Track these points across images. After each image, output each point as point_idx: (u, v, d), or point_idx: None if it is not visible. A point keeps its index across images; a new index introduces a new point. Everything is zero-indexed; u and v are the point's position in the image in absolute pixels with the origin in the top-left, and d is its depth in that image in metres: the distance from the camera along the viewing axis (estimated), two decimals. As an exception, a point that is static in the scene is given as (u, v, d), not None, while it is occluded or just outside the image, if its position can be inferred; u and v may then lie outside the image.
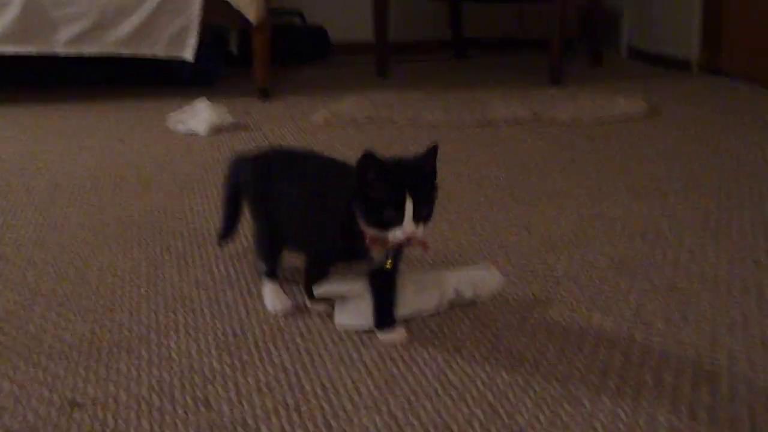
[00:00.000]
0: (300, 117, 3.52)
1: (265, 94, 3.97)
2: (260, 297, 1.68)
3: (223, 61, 4.69)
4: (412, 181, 1.41)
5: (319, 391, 1.34)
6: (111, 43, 3.81)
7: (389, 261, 1.49)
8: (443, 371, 1.39)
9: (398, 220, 1.39)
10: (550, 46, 4.24)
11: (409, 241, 1.42)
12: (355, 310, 1.55)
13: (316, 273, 1.62)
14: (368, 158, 1.41)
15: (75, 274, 1.85)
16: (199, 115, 3.28)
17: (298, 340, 1.51)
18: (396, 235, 1.40)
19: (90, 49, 3.80)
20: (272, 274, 1.67)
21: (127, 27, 3.81)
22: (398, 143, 2.97)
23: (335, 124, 3.34)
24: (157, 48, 3.86)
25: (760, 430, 1.21)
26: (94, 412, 1.29)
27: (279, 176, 1.64)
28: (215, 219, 2.18)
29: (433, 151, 1.46)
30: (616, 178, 2.51)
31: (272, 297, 1.64)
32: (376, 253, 1.48)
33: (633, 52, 5.25)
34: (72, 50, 3.80)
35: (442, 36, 5.65)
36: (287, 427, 1.23)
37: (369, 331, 1.52)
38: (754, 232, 2.02)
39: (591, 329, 1.54)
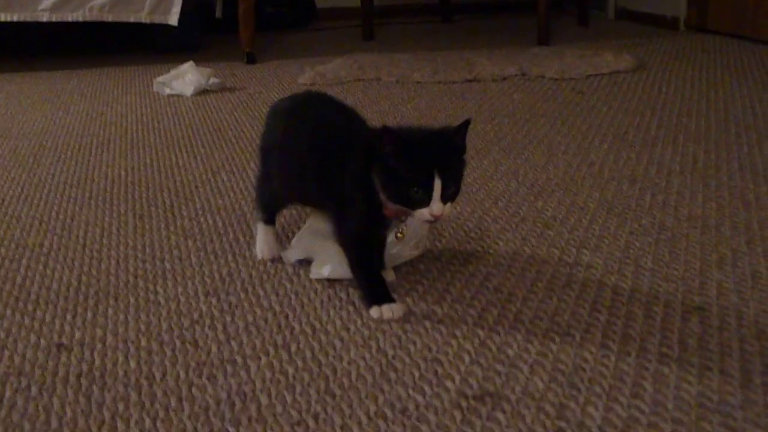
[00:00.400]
0: (286, 79, 3.50)
1: (250, 57, 3.95)
2: (249, 246, 1.67)
3: (209, 27, 4.66)
4: (441, 158, 1.33)
5: (308, 331, 1.33)
6: (94, 9, 3.78)
7: (401, 232, 1.46)
8: (433, 310, 1.39)
9: (426, 200, 1.31)
10: (537, 7, 4.22)
11: (436, 219, 1.34)
12: (336, 263, 1.50)
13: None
14: (388, 133, 1.32)
15: (61, 228, 1.83)
16: (184, 78, 3.25)
17: (287, 284, 1.51)
18: (422, 214, 1.33)
19: (73, 15, 3.77)
20: (268, 221, 1.64)
21: (110, -8, 3.78)
22: (386, 101, 2.96)
23: (322, 85, 3.32)
24: (140, 14, 3.83)
25: (750, 357, 1.20)
26: (81, 353, 1.28)
27: (292, 122, 1.55)
28: (200, 173, 2.17)
29: (464, 126, 1.37)
30: (604, 128, 2.50)
31: (262, 243, 1.62)
32: (393, 224, 1.43)
33: (621, 12, 5.23)
34: (55, 17, 3.77)
35: (428, 0, 5.62)
36: (276, 364, 1.23)
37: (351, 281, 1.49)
38: (742, 177, 2.01)
39: (580, 267, 1.53)
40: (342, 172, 1.40)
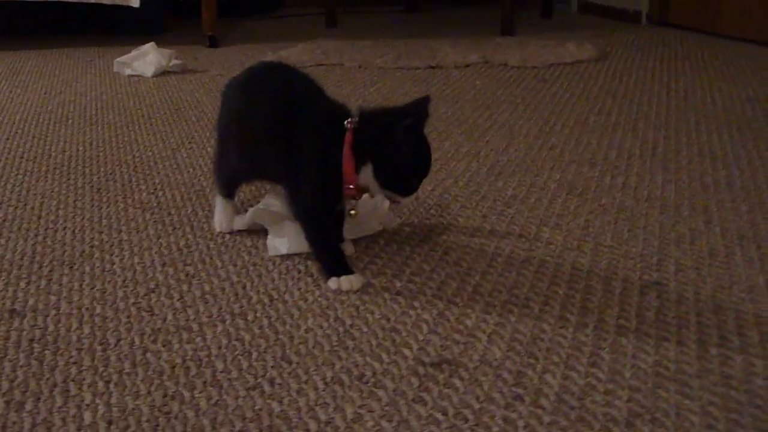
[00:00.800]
0: (248, 62, 3.46)
1: (213, 41, 3.92)
2: (208, 219, 1.66)
3: (173, 10, 4.63)
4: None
5: (266, 300, 1.32)
6: (56, -12, 3.74)
7: (354, 209, 1.45)
8: (391, 282, 1.38)
9: (417, 188, 1.40)
10: (500, -2, 4.23)
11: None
12: (294, 238, 1.49)
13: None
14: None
15: (17, 199, 1.81)
16: (145, 58, 3.22)
17: (245, 255, 1.49)
18: (409, 199, 1.41)
19: (34, -6, 3.73)
20: (227, 195, 1.62)
21: (71, -27, 3.74)
22: (348, 85, 2.94)
23: (284, 69, 3.30)
24: (102, -6, 3.80)
25: (706, 329, 1.21)
26: (35, 319, 1.26)
27: (249, 95, 1.53)
28: (159, 150, 2.15)
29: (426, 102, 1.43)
30: (565, 114, 2.50)
31: (220, 215, 1.61)
32: (346, 201, 1.43)
33: (583, 6, 5.25)
34: (15, -5, 3.73)
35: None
36: (232, 331, 1.22)
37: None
38: (701, 161, 2.02)
39: (539, 243, 1.53)
40: (302, 147, 1.39)
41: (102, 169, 2.00)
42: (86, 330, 1.23)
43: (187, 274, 1.41)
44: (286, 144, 1.41)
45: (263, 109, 1.48)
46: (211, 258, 1.48)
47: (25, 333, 1.22)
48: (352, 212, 1.45)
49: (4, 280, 1.40)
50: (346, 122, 1.37)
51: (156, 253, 1.51)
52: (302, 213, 1.42)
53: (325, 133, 1.38)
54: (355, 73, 3.21)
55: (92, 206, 1.76)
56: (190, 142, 2.22)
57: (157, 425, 0.99)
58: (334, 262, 1.39)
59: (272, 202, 1.57)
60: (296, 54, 3.53)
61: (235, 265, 1.45)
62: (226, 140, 1.57)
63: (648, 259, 1.46)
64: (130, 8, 3.86)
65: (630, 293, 1.33)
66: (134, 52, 3.28)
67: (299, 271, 1.42)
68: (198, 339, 1.20)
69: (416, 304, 1.30)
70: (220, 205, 1.61)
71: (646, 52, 3.63)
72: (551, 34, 4.15)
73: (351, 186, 1.38)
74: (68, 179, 1.94)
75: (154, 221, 1.67)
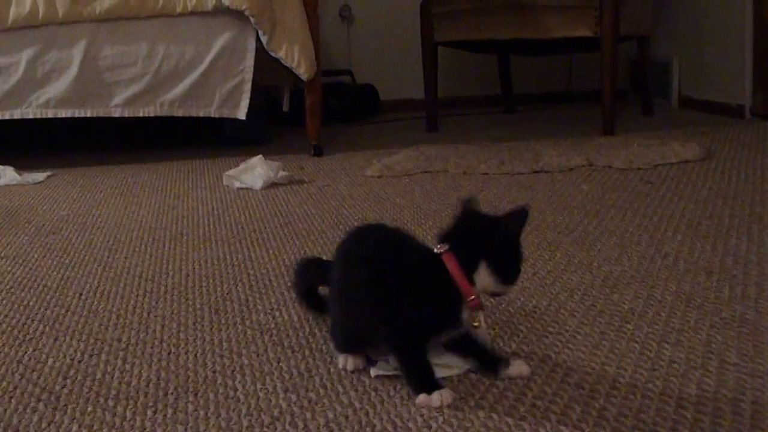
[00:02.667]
0: (353, 171, 3.54)
1: (318, 150, 4.00)
2: (326, 340, 1.67)
3: (276, 120, 4.75)
4: None
5: (389, 428, 1.32)
6: (165, 104, 3.87)
7: (478, 320, 1.47)
8: (514, 407, 1.37)
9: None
10: (602, 96, 4.23)
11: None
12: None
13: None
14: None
15: (138, 322, 1.85)
16: (253, 171, 3.30)
17: (365, 379, 1.50)
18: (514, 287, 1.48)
19: (145, 111, 3.86)
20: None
21: (180, 88, 3.87)
22: (453, 192, 2.97)
23: (389, 177, 3.35)
24: (210, 108, 3.91)
25: None
26: (164, 451, 1.28)
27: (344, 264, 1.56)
28: (273, 267, 2.18)
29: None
30: (676, 218, 2.48)
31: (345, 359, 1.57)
32: (466, 315, 1.44)
33: (684, 100, 5.22)
34: (127, 113, 3.86)
35: (490, 91, 5.67)
36: (359, 463, 1.22)
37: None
38: (822, 267, 1.98)
39: (662, 362, 1.50)
40: (400, 288, 1.44)
41: (219, 289, 2.04)
42: (215, 462, 1.24)
43: (309, 401, 1.42)
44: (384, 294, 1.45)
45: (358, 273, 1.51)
46: (332, 383, 1.49)
47: (155, 466, 1.24)
48: (476, 324, 1.46)
49: (132, 408, 1.43)
50: (435, 250, 1.43)
51: (277, 378, 1.52)
52: (400, 340, 1.44)
53: (421, 269, 1.43)
54: (460, 179, 3.23)
55: (211, 329, 1.79)
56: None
57: None
58: (423, 377, 1.41)
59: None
60: (400, 161, 3.57)
61: (356, 390, 1.45)
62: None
63: (777, 377, 1.42)
64: (235, 120, 3.97)
65: (761, 416, 1.29)
66: (242, 165, 3.37)
67: (420, 396, 1.42)
68: (325, 471, 1.20)
69: (542, 430, 1.29)
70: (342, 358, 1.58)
71: (753, 148, 3.59)
72: (653, 132, 4.14)
73: (472, 297, 1.41)
74: (186, 300, 1.98)
75: (273, 343, 1.69)
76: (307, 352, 1.63)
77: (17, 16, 3.71)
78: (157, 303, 1.97)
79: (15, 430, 1.36)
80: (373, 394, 1.44)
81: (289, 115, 4.56)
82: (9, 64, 3.77)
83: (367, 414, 1.37)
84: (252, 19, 3.78)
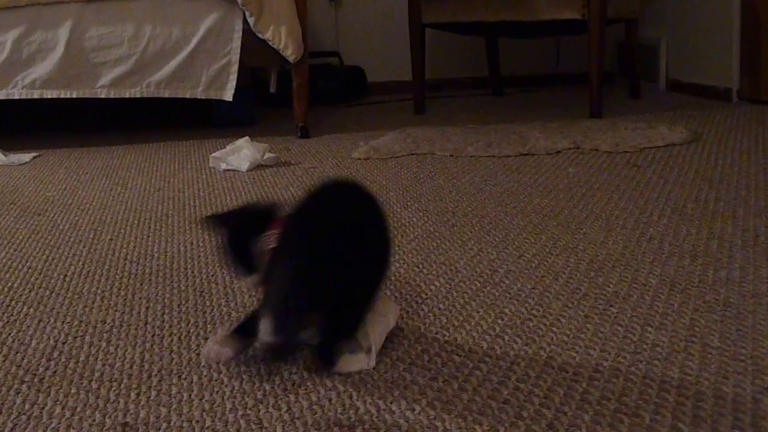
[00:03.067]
0: (340, 153, 3.53)
1: (304, 131, 3.99)
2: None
3: (263, 101, 4.74)
4: None
5: (373, 410, 1.32)
6: (151, 85, 3.85)
7: None
8: (497, 390, 1.37)
9: None
10: (588, 79, 4.23)
11: None
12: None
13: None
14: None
15: (122, 304, 1.85)
16: (240, 153, 3.29)
17: (349, 362, 1.50)
18: None
19: (131, 92, 3.85)
20: None
21: (167, 69, 3.85)
22: (440, 175, 2.97)
23: (376, 159, 3.34)
24: (197, 90, 3.90)
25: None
26: (147, 433, 1.28)
27: None
28: (260, 249, 2.18)
29: None
30: (661, 202, 2.48)
31: None
32: None
33: (672, 83, 5.23)
34: (113, 94, 3.85)
35: (478, 74, 5.67)
36: (342, 445, 1.22)
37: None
38: (806, 251, 1.99)
39: (646, 345, 1.51)
40: None
41: (204, 271, 2.04)
42: (198, 444, 1.24)
43: (293, 383, 1.42)
44: None
45: None
46: (316, 366, 1.49)
47: (138, 448, 1.24)
48: None
49: (115, 390, 1.43)
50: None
51: (261, 360, 1.52)
52: None
53: None
54: (447, 162, 3.23)
55: (196, 311, 1.79)
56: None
57: None
58: None
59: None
60: (387, 143, 3.57)
61: (340, 374, 1.45)
62: None
63: (759, 361, 1.43)
64: (222, 101, 3.95)
65: (743, 400, 1.30)
66: (229, 147, 3.35)
67: (404, 380, 1.42)
68: (308, 454, 1.20)
69: (524, 414, 1.29)
70: None
71: (740, 132, 3.60)
72: (640, 115, 4.14)
73: None
74: (171, 282, 1.98)
75: (258, 326, 1.68)
76: (291, 335, 1.63)
77: (2, -4, 3.69)
78: (141, 285, 1.97)
79: (-2, 412, 1.36)
80: (356, 377, 1.44)
81: (276, 96, 4.54)
82: (-6, 44, 3.76)
83: (350, 396, 1.37)
84: (239, 0, 3.76)
